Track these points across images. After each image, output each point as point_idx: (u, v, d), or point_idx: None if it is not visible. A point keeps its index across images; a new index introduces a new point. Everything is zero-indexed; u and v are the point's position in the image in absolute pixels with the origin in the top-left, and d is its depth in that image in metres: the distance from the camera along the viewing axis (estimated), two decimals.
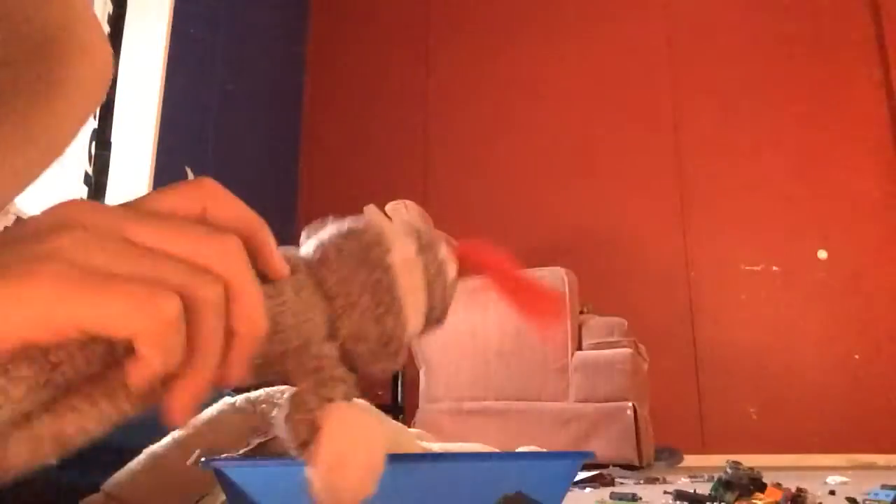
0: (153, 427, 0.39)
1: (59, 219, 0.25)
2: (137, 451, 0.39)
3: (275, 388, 0.43)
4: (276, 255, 0.31)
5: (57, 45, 0.49)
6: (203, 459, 0.35)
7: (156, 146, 2.74)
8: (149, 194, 0.28)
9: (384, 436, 0.32)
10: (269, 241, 0.31)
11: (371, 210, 0.44)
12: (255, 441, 0.37)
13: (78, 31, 0.51)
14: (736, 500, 1.10)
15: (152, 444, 0.39)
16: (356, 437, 0.31)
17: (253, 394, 0.42)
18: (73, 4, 0.52)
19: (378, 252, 0.36)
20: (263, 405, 0.42)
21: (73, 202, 0.26)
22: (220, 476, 0.34)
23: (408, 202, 2.99)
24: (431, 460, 0.36)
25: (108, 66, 0.55)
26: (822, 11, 3.76)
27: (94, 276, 0.23)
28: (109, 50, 0.55)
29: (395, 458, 0.37)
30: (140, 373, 0.25)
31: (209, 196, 0.28)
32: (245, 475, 0.35)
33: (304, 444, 0.32)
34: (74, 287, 0.23)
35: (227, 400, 0.41)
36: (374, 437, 0.31)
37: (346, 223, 0.38)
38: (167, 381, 0.26)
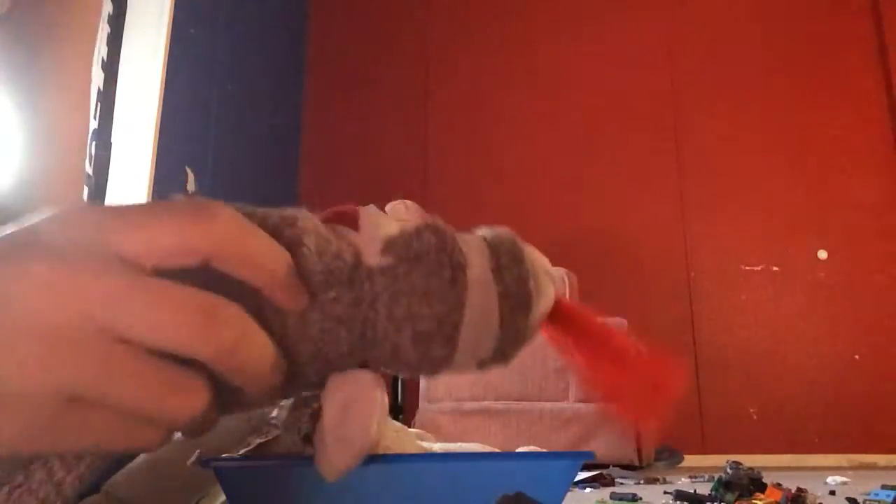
0: None
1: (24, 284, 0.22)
2: (136, 453, 0.39)
3: None
4: (295, 295, 0.28)
5: None
6: (203, 459, 0.35)
7: (156, 146, 2.74)
8: (143, 215, 0.24)
9: (381, 386, 0.32)
10: (286, 283, 0.27)
11: (391, 209, 0.42)
12: (256, 441, 0.37)
13: None
14: (736, 500, 1.10)
15: None
16: (354, 388, 0.31)
17: None
18: None
19: (455, 273, 0.32)
20: None
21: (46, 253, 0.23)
22: (221, 476, 0.34)
23: (408, 202, 2.99)
24: (431, 460, 0.36)
25: None
26: (822, 12, 3.76)
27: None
28: None
29: (394, 459, 0.36)
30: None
31: (217, 238, 0.25)
32: (245, 475, 0.35)
33: (307, 438, 0.32)
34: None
35: None
36: (371, 385, 0.31)
37: (423, 234, 0.33)
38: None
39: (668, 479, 2.11)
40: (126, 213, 0.25)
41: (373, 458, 0.37)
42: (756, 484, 1.12)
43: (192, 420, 0.24)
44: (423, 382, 2.91)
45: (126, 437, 0.23)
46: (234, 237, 0.25)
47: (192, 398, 0.24)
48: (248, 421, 0.38)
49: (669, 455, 2.94)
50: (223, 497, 0.41)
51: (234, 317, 0.24)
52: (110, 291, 0.23)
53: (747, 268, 3.59)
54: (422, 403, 2.89)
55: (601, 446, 2.47)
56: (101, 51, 2.52)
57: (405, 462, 0.34)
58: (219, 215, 0.25)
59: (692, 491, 1.29)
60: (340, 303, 0.30)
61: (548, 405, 2.65)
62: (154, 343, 0.23)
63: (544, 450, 0.57)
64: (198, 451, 0.38)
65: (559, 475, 0.36)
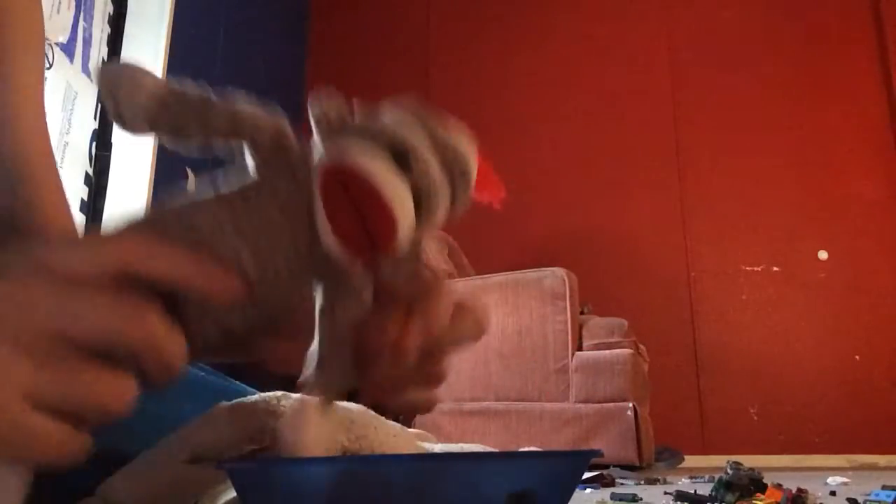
0: (149, 432, 0.39)
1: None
2: (133, 456, 0.39)
3: (271, 392, 0.43)
4: (222, 285, 0.31)
5: None
6: (217, 461, 0.35)
7: (156, 147, 2.73)
8: (58, 248, 0.29)
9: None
10: (209, 281, 0.31)
11: None
12: (248, 449, 0.36)
13: None
14: (736, 500, 1.10)
15: (148, 448, 0.39)
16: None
17: (249, 399, 0.42)
18: None
19: None
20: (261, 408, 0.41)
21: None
22: (234, 477, 0.34)
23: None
24: (438, 460, 0.36)
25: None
26: (822, 11, 3.75)
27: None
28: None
29: (400, 459, 0.36)
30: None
31: (131, 256, 0.29)
32: (260, 476, 0.34)
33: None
34: None
35: (223, 404, 0.41)
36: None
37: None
38: None
39: (668, 479, 2.10)
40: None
41: (382, 459, 0.37)
42: (756, 484, 1.12)
43: (125, 412, 0.28)
44: None
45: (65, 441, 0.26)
46: (146, 250, 0.30)
47: (128, 391, 0.27)
48: (242, 429, 0.38)
49: (670, 455, 2.94)
50: (222, 500, 0.41)
51: (155, 310, 0.28)
52: (57, 301, 0.27)
53: (747, 268, 3.59)
54: None
55: (601, 446, 2.47)
56: (101, 51, 2.52)
57: (413, 462, 0.34)
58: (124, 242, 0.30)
59: (693, 491, 1.29)
60: None
61: (548, 405, 2.65)
62: (103, 340, 0.27)
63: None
64: (191, 449, 0.37)
65: (567, 474, 0.36)
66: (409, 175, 0.34)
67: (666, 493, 1.51)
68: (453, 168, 0.36)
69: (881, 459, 3.15)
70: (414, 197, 0.34)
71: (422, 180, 0.34)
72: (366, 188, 0.32)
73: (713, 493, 1.13)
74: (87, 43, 2.42)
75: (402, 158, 0.34)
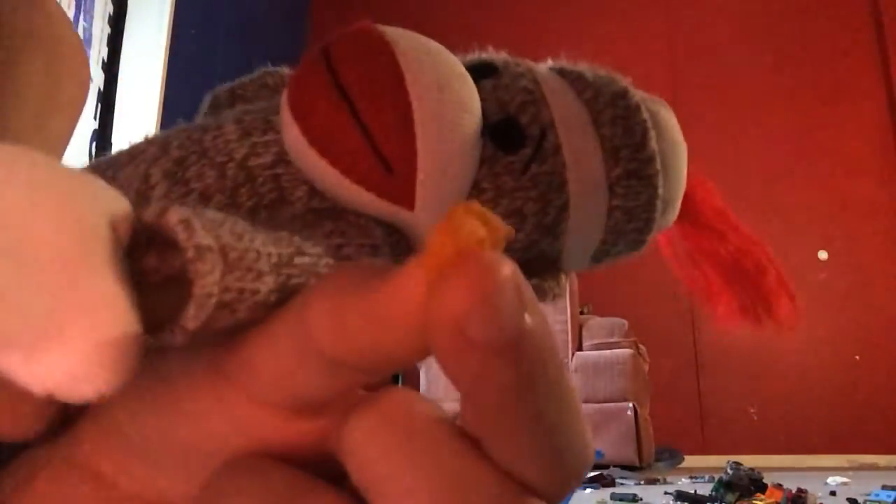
0: None
1: None
2: None
3: None
4: None
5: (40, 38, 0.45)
6: None
7: None
8: None
9: None
10: None
11: None
12: None
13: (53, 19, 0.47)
14: (737, 500, 1.10)
15: None
16: None
17: None
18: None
19: None
20: None
21: None
22: None
23: None
24: None
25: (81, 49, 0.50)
26: (822, 12, 3.75)
27: None
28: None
29: None
30: None
31: None
32: None
33: None
34: None
35: None
36: None
37: None
38: None
39: (668, 479, 2.11)
40: None
41: None
42: (756, 484, 1.12)
43: None
44: (423, 382, 2.91)
45: None
46: None
47: None
48: None
49: (670, 455, 2.94)
50: None
51: None
52: None
53: None
54: None
55: (601, 446, 2.47)
56: (101, 51, 2.52)
57: None
58: None
59: (693, 491, 1.29)
60: None
61: None
62: None
63: None
64: None
65: None
66: (487, 81, 0.19)
67: (666, 493, 1.51)
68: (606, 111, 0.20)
69: (881, 459, 3.15)
70: (494, 119, 0.18)
71: (511, 86, 0.19)
72: (368, 58, 0.17)
73: (713, 493, 1.13)
74: (88, 43, 2.42)
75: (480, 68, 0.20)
